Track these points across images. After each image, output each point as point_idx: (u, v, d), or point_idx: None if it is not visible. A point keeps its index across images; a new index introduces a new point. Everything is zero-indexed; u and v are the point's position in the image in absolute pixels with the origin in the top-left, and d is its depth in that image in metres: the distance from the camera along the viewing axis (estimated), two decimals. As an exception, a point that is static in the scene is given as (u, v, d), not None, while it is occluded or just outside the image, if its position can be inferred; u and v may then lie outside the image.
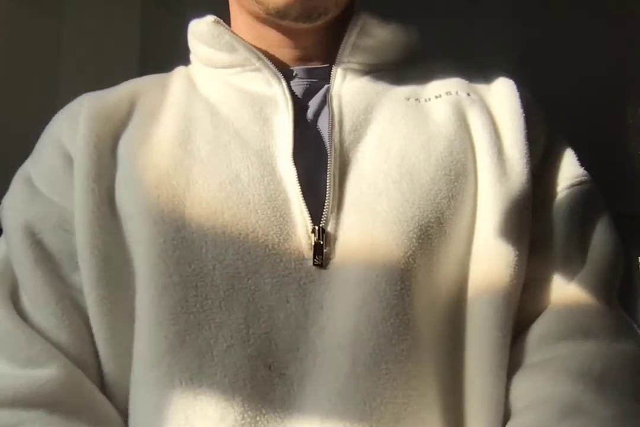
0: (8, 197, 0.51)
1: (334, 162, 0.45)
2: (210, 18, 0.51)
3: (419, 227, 0.42)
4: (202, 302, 0.40)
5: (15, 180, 0.52)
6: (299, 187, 0.44)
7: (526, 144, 0.51)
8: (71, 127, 0.49)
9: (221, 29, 0.51)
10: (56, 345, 0.44)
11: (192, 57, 0.57)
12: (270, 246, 0.42)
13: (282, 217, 0.43)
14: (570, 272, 0.51)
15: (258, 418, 0.38)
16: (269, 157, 0.45)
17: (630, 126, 2.22)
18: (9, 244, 0.48)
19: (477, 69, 0.56)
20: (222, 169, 0.44)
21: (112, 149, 0.47)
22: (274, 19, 0.50)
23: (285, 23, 0.50)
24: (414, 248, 0.41)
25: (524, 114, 0.52)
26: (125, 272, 0.44)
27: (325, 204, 0.43)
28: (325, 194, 0.43)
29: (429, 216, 0.43)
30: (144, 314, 0.41)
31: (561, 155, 0.55)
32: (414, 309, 0.39)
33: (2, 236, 0.52)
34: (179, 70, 0.57)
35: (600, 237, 0.54)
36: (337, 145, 0.45)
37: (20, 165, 1.87)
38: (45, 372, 0.41)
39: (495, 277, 0.42)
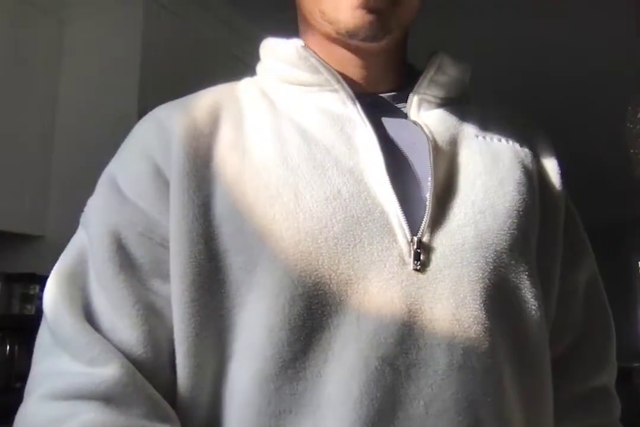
0: (95, 199, 0.54)
1: (433, 184, 0.51)
2: (299, 42, 0.56)
3: (496, 253, 0.50)
4: (323, 309, 0.46)
5: (102, 183, 0.54)
6: (397, 201, 0.49)
7: (562, 206, 0.61)
8: (164, 141, 0.52)
9: (308, 52, 0.55)
10: (124, 344, 0.47)
11: (262, 70, 0.61)
12: (375, 254, 0.47)
13: (383, 228, 0.48)
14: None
15: (374, 401, 0.44)
16: (360, 173, 0.50)
17: (630, 132, 2.22)
18: (93, 247, 0.50)
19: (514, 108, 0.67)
20: (324, 185, 0.49)
21: (207, 163, 0.50)
22: (344, 39, 0.55)
23: (354, 42, 0.55)
24: (489, 270, 0.49)
25: (560, 177, 0.61)
26: (215, 279, 0.48)
27: (424, 219, 0.49)
28: (418, 209, 0.50)
29: (504, 244, 0.51)
30: (273, 320, 0.46)
31: (575, 225, 0.65)
32: (492, 317, 0.48)
33: (76, 237, 0.53)
34: (247, 82, 0.60)
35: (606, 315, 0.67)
36: (435, 169, 0.52)
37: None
38: (104, 371, 0.45)
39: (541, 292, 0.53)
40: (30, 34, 1.98)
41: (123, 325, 0.47)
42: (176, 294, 0.48)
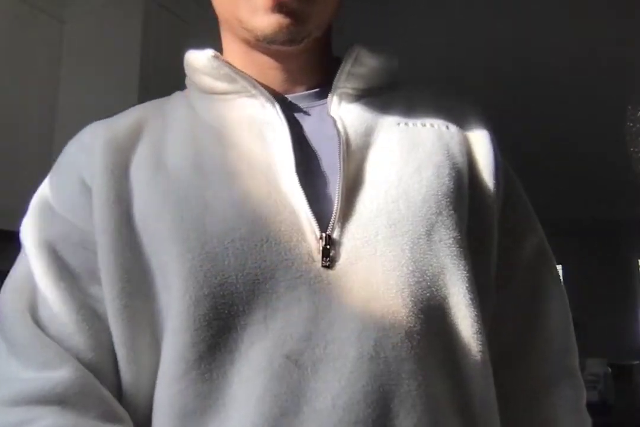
0: (28, 219, 0.56)
1: (342, 178, 0.51)
2: (209, 52, 0.57)
3: (412, 240, 0.50)
4: (229, 308, 0.46)
5: (34, 203, 0.57)
6: (306, 200, 0.50)
7: (495, 183, 0.58)
8: (87, 156, 0.54)
9: (219, 62, 0.57)
10: (74, 349, 0.48)
11: (188, 82, 0.62)
12: (283, 253, 0.48)
13: (291, 226, 0.49)
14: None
15: (277, 398, 0.44)
16: (272, 174, 0.52)
17: (630, 130, 2.22)
18: (31, 260, 0.52)
19: (447, 92, 0.65)
20: (235, 188, 0.50)
21: (126, 174, 0.52)
22: (263, 44, 0.55)
23: (274, 47, 0.55)
24: (406, 257, 0.49)
25: (494, 154, 0.60)
26: (144, 284, 0.49)
27: (333, 214, 0.50)
28: (328, 205, 0.50)
29: (420, 230, 0.50)
30: (179, 321, 0.47)
31: (517, 201, 0.62)
32: (407, 308, 0.47)
33: (22, 254, 0.55)
34: (177, 96, 0.62)
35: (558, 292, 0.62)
36: (345, 164, 0.52)
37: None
38: (58, 374, 0.46)
39: (468, 277, 0.51)
40: (30, 34, 1.98)
41: (69, 331, 0.49)
42: (109, 302, 0.49)
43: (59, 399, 0.45)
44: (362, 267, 0.48)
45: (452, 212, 0.52)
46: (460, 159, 0.56)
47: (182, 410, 0.45)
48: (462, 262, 0.51)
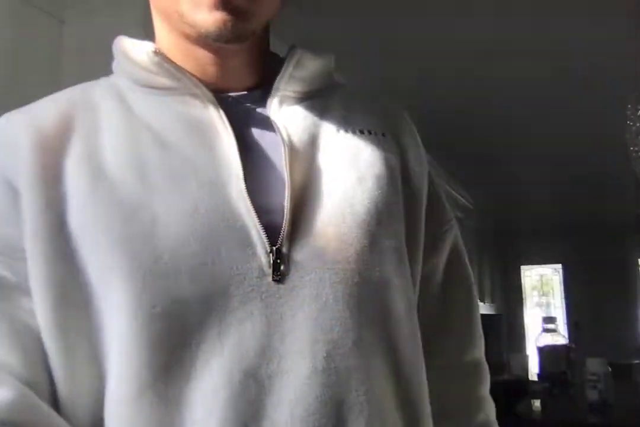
0: None
1: (289, 191, 0.51)
2: (149, 47, 0.54)
3: (357, 252, 0.50)
4: (183, 326, 0.45)
5: None
6: (255, 213, 0.49)
7: (424, 188, 0.61)
8: (10, 153, 0.50)
9: (160, 58, 0.53)
10: (8, 368, 0.45)
11: (117, 70, 0.58)
12: (235, 268, 0.47)
13: (242, 241, 0.48)
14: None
15: (239, 415, 0.44)
16: (221, 185, 0.50)
17: (630, 129, 2.22)
18: None
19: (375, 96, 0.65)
20: (182, 199, 0.48)
21: (58, 179, 0.48)
22: (204, 40, 0.53)
23: (216, 44, 0.53)
24: (352, 269, 0.50)
25: (422, 158, 0.62)
26: (80, 296, 0.47)
27: (282, 228, 0.49)
28: (277, 216, 0.50)
29: (364, 242, 0.51)
30: (130, 340, 0.45)
31: (438, 200, 0.65)
32: (356, 316, 0.49)
33: None
34: (104, 84, 0.58)
35: (466, 270, 0.67)
36: (292, 175, 0.51)
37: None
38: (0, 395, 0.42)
39: (407, 286, 0.54)
40: (30, 34, 1.98)
41: (2, 349, 0.46)
42: (41, 314, 0.46)
43: (2, 420, 0.42)
44: (311, 281, 0.48)
45: (392, 222, 0.54)
46: (397, 169, 0.58)
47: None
48: (403, 270, 0.54)
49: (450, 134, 3.45)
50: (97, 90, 0.57)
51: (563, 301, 6.60)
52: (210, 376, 0.44)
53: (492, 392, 0.67)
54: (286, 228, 0.49)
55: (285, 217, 0.49)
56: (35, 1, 1.97)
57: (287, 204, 0.50)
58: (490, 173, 4.50)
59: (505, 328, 6.17)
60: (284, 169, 0.51)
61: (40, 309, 0.47)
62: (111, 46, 0.59)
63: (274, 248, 0.48)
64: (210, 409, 0.44)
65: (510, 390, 2.10)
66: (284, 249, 0.49)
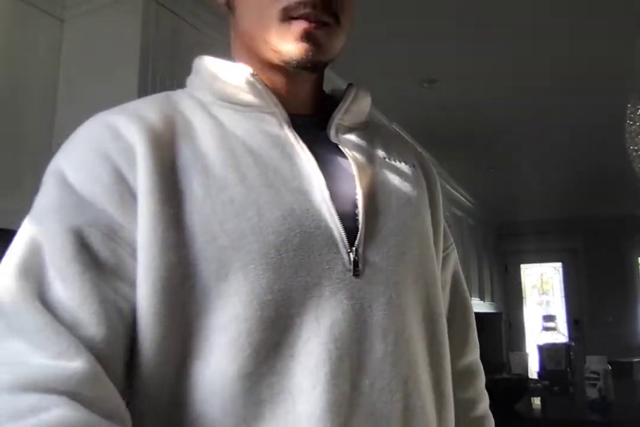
0: (46, 197, 0.54)
1: (362, 201, 0.60)
2: (249, 70, 0.61)
3: (411, 256, 0.61)
4: (287, 311, 0.53)
5: (50, 180, 0.54)
6: (338, 218, 0.57)
7: (440, 206, 0.73)
8: (123, 149, 0.54)
9: (256, 79, 0.61)
10: (87, 340, 0.49)
11: (198, 85, 0.64)
12: (325, 263, 0.56)
13: (328, 241, 0.56)
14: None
15: (338, 385, 0.53)
16: (306, 193, 0.57)
17: (629, 129, 2.22)
18: (52, 246, 0.51)
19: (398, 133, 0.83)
20: (279, 203, 0.55)
21: (174, 177, 0.54)
22: (287, 67, 0.61)
23: (295, 70, 0.61)
24: (410, 268, 0.61)
25: (438, 184, 0.75)
26: (183, 286, 0.52)
27: (359, 232, 0.58)
28: (352, 222, 0.59)
29: (415, 246, 0.62)
30: (245, 322, 0.52)
31: (444, 223, 0.77)
32: (412, 306, 0.60)
33: (34, 231, 0.52)
34: (182, 96, 0.63)
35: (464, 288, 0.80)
36: (363, 188, 0.61)
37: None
38: (73, 365, 0.47)
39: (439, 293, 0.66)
40: (30, 33, 1.98)
41: (88, 322, 0.49)
42: (145, 299, 0.51)
43: (71, 391, 0.45)
44: (381, 278, 0.58)
45: (429, 234, 0.66)
46: (426, 194, 0.69)
47: (257, 398, 0.51)
48: (437, 272, 0.66)
49: (451, 133, 3.46)
50: (179, 101, 0.62)
51: (563, 299, 6.60)
52: (311, 353, 0.53)
53: (492, 390, 0.71)
54: (362, 233, 0.58)
55: (360, 223, 0.59)
56: (35, 1, 1.97)
57: (361, 212, 0.59)
58: (490, 172, 4.50)
59: (505, 326, 6.18)
60: (355, 181, 0.61)
61: (144, 297, 0.51)
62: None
63: (353, 248, 0.57)
64: (314, 380, 0.52)
65: (510, 388, 2.10)
66: (360, 250, 0.58)
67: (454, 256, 0.77)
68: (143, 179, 0.52)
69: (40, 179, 0.58)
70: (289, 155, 0.59)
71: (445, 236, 0.74)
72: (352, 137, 0.66)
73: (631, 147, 2.21)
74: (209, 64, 0.64)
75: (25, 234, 0.54)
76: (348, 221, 0.58)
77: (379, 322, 0.56)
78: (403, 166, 0.68)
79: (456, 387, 0.68)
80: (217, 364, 0.51)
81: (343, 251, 0.57)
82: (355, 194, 0.60)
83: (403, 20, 2.25)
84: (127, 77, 1.90)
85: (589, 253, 6.38)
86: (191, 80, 0.66)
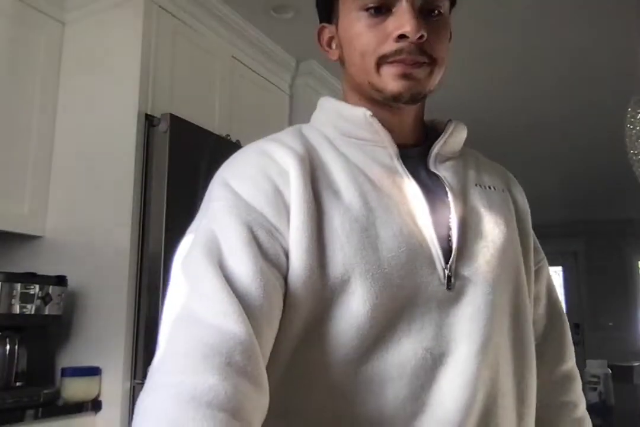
0: (219, 202, 0.66)
1: (457, 224, 0.68)
2: (367, 111, 0.71)
3: (498, 274, 0.68)
4: (390, 314, 0.62)
5: (220, 188, 0.67)
6: (437, 239, 0.66)
7: (531, 234, 0.79)
8: (280, 172, 0.66)
9: (373, 119, 0.70)
10: (256, 309, 0.58)
11: (324, 122, 0.76)
12: (424, 277, 0.64)
13: (427, 259, 0.65)
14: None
15: (419, 378, 0.62)
16: (412, 216, 0.67)
17: (630, 133, 2.22)
18: (229, 235, 0.62)
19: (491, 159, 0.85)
20: (392, 223, 0.65)
21: (314, 195, 0.66)
22: (388, 103, 0.70)
23: (396, 104, 0.70)
24: (496, 285, 0.67)
25: (528, 209, 0.82)
26: (317, 282, 0.62)
27: (453, 252, 0.67)
28: (446, 242, 0.67)
29: (503, 264, 0.69)
30: (359, 318, 0.61)
31: (535, 240, 0.84)
32: (498, 318, 0.67)
33: (210, 226, 0.63)
34: (311, 131, 0.75)
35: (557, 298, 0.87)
36: (456, 214, 0.69)
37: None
38: (232, 329, 0.54)
39: (528, 308, 0.73)
40: (30, 35, 1.98)
41: (256, 294, 0.58)
42: (292, 289, 0.62)
43: (225, 352, 0.53)
44: (470, 291, 0.66)
45: (518, 255, 0.73)
46: (514, 216, 0.77)
47: (352, 381, 0.62)
48: (526, 291, 0.73)
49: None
50: (311, 136, 0.73)
51: (563, 303, 6.58)
52: (401, 349, 0.62)
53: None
54: (455, 253, 0.67)
55: (454, 244, 0.67)
56: (36, 4, 1.98)
57: (455, 234, 0.68)
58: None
59: (506, 330, 6.16)
60: (450, 208, 0.70)
61: (291, 287, 0.62)
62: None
63: (447, 265, 0.66)
64: (401, 372, 0.61)
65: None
66: (453, 267, 0.66)
67: (546, 269, 0.85)
68: (295, 197, 0.64)
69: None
70: (399, 184, 0.69)
71: (536, 250, 0.82)
72: (448, 166, 0.75)
73: (631, 151, 2.21)
74: (332, 104, 0.76)
75: (198, 228, 0.65)
76: (443, 242, 0.67)
77: (465, 328, 0.64)
78: (493, 191, 0.76)
79: (559, 391, 0.80)
80: (328, 350, 0.62)
81: (439, 267, 0.65)
82: (449, 219, 0.69)
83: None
84: (127, 80, 1.90)
85: (590, 257, 6.38)
86: (316, 116, 0.78)
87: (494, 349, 0.65)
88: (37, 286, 1.63)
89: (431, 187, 0.72)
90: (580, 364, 0.87)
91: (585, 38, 2.43)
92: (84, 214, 1.80)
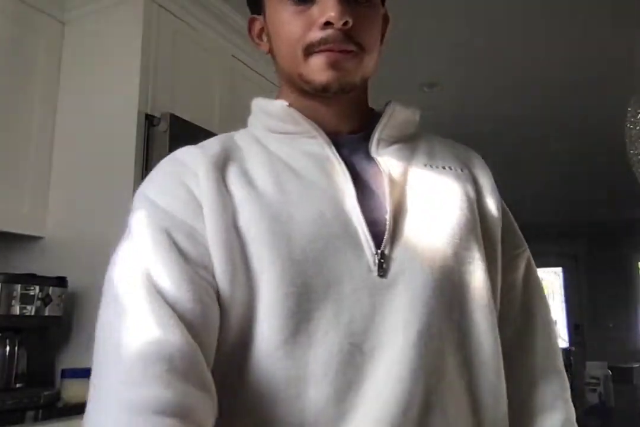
0: (138, 213, 0.66)
1: (390, 208, 0.65)
2: (284, 102, 0.71)
3: (442, 259, 0.64)
4: (308, 304, 0.59)
5: (140, 201, 0.67)
6: (365, 222, 0.63)
7: (499, 214, 0.74)
8: (190, 171, 0.67)
9: (291, 109, 0.70)
10: (189, 313, 0.57)
11: (254, 123, 0.76)
12: (349, 264, 0.61)
13: (355, 243, 0.62)
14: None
15: (346, 376, 0.58)
16: (338, 201, 0.65)
17: (629, 133, 2.22)
18: (151, 245, 0.61)
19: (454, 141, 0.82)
20: (312, 208, 0.63)
21: (226, 191, 0.65)
22: (319, 93, 0.68)
23: (327, 95, 0.68)
24: (438, 272, 0.63)
25: (496, 191, 0.76)
26: (247, 276, 0.61)
27: (385, 235, 0.63)
28: (380, 227, 0.64)
29: (448, 251, 0.65)
30: (272, 310, 0.59)
31: (511, 227, 0.79)
32: (440, 306, 0.62)
33: (134, 238, 0.63)
34: (243, 134, 0.76)
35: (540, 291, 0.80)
36: (391, 196, 0.66)
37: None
38: (169, 338, 0.54)
39: (486, 293, 0.67)
40: (30, 35, 1.98)
41: (186, 298, 0.58)
42: (221, 286, 0.60)
43: (167, 360, 0.52)
44: (407, 278, 0.62)
45: (470, 238, 0.67)
46: (472, 196, 0.72)
47: (272, 380, 0.58)
48: (478, 274, 0.66)
49: (450, 137, 3.45)
50: (238, 137, 0.74)
51: (563, 304, 6.59)
52: (327, 345, 0.58)
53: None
54: (388, 236, 0.63)
55: (387, 228, 0.64)
56: (36, 3, 1.98)
57: (388, 217, 0.65)
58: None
59: (506, 331, 6.15)
60: (385, 192, 0.67)
61: (220, 285, 0.60)
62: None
63: (379, 250, 0.62)
64: (326, 369, 0.58)
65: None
66: (386, 252, 0.63)
67: (525, 260, 0.77)
68: (205, 194, 0.64)
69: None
70: (327, 172, 0.67)
71: (513, 238, 0.77)
72: (393, 149, 0.73)
73: (631, 151, 2.21)
74: (257, 103, 0.75)
75: (125, 242, 0.64)
76: (378, 226, 0.64)
77: (401, 318, 0.60)
78: (448, 171, 0.73)
79: (535, 393, 0.72)
80: (255, 344, 0.59)
81: (368, 252, 0.62)
82: (387, 204, 0.66)
83: (403, 24, 2.25)
84: (128, 80, 1.89)
85: (590, 258, 6.37)
86: (250, 119, 0.76)
87: (437, 338, 0.61)
88: (37, 287, 1.62)
89: (369, 172, 0.69)
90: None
91: (585, 38, 2.43)
92: (84, 214, 1.80)
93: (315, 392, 0.58)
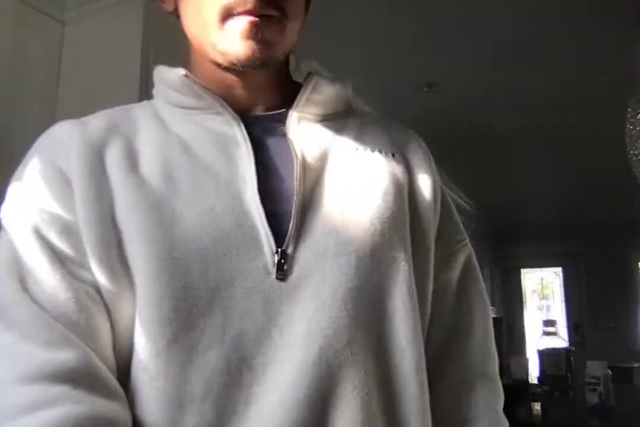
0: (7, 206, 0.57)
1: (298, 199, 0.56)
2: (181, 71, 0.60)
3: (357, 259, 0.54)
4: (190, 310, 0.50)
5: (12, 193, 0.58)
6: (265, 216, 0.54)
7: (435, 205, 0.64)
8: (65, 154, 0.57)
9: (190, 80, 0.60)
10: (73, 326, 0.50)
11: (156, 94, 0.66)
12: (242, 264, 0.52)
13: (251, 240, 0.53)
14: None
15: (231, 398, 0.48)
16: (236, 190, 0.55)
17: (629, 133, 2.22)
18: (21, 245, 0.54)
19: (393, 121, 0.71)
20: (200, 201, 0.54)
21: (103, 173, 0.56)
22: (234, 68, 0.59)
23: (244, 69, 0.59)
24: (352, 274, 0.53)
25: (434, 177, 0.66)
26: (126, 275, 0.53)
27: (289, 231, 0.54)
28: (285, 222, 0.54)
29: (367, 250, 0.55)
30: (145, 316, 0.50)
31: (450, 217, 0.69)
32: (350, 318, 0.52)
33: (7, 236, 0.56)
34: (144, 105, 0.65)
35: (480, 288, 0.70)
36: (301, 186, 0.56)
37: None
38: (63, 354, 0.48)
39: (406, 296, 0.56)
40: (30, 34, 1.98)
41: (68, 309, 0.51)
42: (102, 284, 0.53)
43: (68, 378, 0.47)
44: (312, 281, 0.52)
45: (394, 233, 0.57)
46: (404, 185, 0.62)
47: (145, 404, 0.50)
48: (402, 278, 0.56)
49: (450, 137, 3.46)
50: (137, 109, 0.64)
51: (563, 304, 6.58)
52: (210, 360, 0.49)
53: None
54: (292, 232, 0.54)
55: (292, 222, 0.54)
56: (36, 3, 1.97)
57: (294, 210, 0.55)
58: (491, 177, 4.50)
59: (506, 331, 6.16)
60: (295, 180, 0.56)
61: (99, 280, 0.53)
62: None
63: (280, 249, 0.53)
64: (208, 389, 0.48)
65: (511, 393, 2.09)
66: (289, 251, 0.53)
67: (465, 253, 0.69)
68: (77, 179, 0.55)
69: None
70: (229, 154, 0.58)
71: (451, 231, 0.67)
72: (313, 129, 0.62)
73: (631, 152, 2.21)
74: (158, 71, 0.65)
75: (1, 240, 0.56)
76: (282, 221, 0.54)
77: (302, 329, 0.50)
78: (375, 156, 0.62)
79: (460, 406, 0.63)
80: (134, 356, 0.52)
81: (267, 251, 0.53)
82: (294, 194, 0.56)
83: (402, 24, 2.25)
84: (128, 80, 1.89)
85: (590, 258, 6.36)
86: (153, 91, 0.67)
87: (346, 354, 0.51)
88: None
89: (282, 156, 0.59)
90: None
91: (586, 38, 2.43)
92: (84, 215, 1.80)
93: (193, 418, 0.48)
